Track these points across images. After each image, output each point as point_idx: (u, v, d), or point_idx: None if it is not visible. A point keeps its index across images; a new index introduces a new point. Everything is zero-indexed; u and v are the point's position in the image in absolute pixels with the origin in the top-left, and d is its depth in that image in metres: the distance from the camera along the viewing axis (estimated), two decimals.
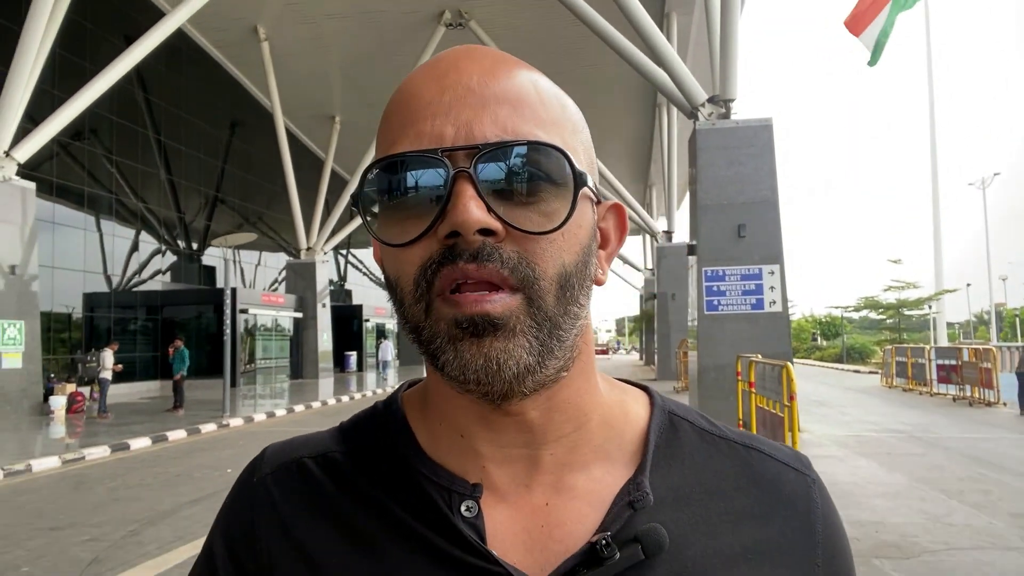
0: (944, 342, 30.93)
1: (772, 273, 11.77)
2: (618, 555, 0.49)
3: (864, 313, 42.30)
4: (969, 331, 61.13)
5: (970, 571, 4.69)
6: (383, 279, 0.54)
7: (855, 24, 17.26)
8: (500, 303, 0.47)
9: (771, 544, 0.54)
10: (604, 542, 0.49)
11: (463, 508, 0.53)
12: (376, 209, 0.50)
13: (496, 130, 0.48)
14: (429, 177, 0.48)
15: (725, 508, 0.55)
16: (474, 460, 0.55)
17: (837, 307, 45.73)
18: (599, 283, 0.55)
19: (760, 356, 8.41)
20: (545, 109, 0.51)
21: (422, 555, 0.51)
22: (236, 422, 13.27)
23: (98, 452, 9.81)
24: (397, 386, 0.62)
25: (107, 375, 14.35)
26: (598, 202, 0.55)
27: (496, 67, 0.51)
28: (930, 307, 33.81)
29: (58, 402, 14.19)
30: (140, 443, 10.65)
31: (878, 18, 17.04)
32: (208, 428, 12.44)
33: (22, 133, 13.82)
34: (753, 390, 7.74)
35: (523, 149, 0.48)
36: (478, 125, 0.48)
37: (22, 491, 7.65)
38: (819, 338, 51.73)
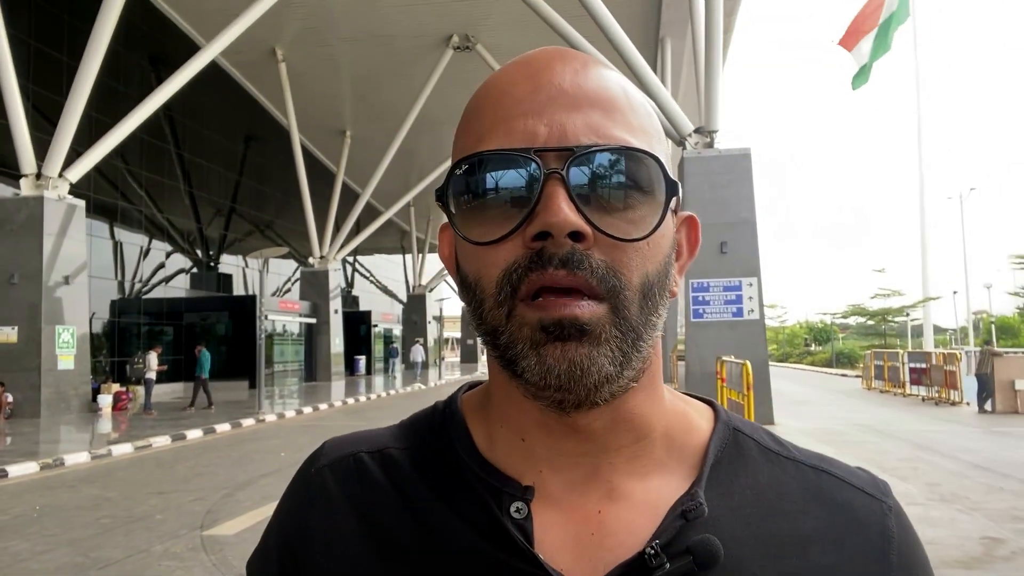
0: (931, 347, 32.41)
1: (751, 285, 13.29)
2: (668, 565, 0.48)
3: (855, 320, 44.03)
4: (958, 337, 62.66)
5: None
6: (457, 279, 0.54)
7: (849, 41, 18.24)
8: (588, 309, 0.46)
9: (840, 571, 0.51)
10: (652, 551, 0.48)
11: (512, 509, 0.51)
12: (460, 206, 0.49)
13: (589, 133, 0.48)
14: (519, 176, 0.47)
15: (790, 530, 0.52)
16: (531, 464, 0.53)
17: (827, 314, 47.50)
18: (672, 295, 0.53)
19: (733, 357, 9.90)
20: (635, 115, 0.51)
21: (466, 555, 0.51)
22: (270, 418, 14.76)
23: (161, 441, 11.31)
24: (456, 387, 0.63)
25: (152, 375, 15.88)
26: (675, 212, 0.53)
27: (588, 70, 0.51)
28: (907, 314, 35.39)
29: (106, 400, 15.65)
30: (194, 434, 12.16)
31: (867, 36, 18.05)
32: (248, 423, 13.95)
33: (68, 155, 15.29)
34: (724, 384, 9.25)
35: (617, 154, 0.47)
36: (571, 127, 0.48)
37: (115, 469, 9.13)
38: (811, 344, 53.41)
